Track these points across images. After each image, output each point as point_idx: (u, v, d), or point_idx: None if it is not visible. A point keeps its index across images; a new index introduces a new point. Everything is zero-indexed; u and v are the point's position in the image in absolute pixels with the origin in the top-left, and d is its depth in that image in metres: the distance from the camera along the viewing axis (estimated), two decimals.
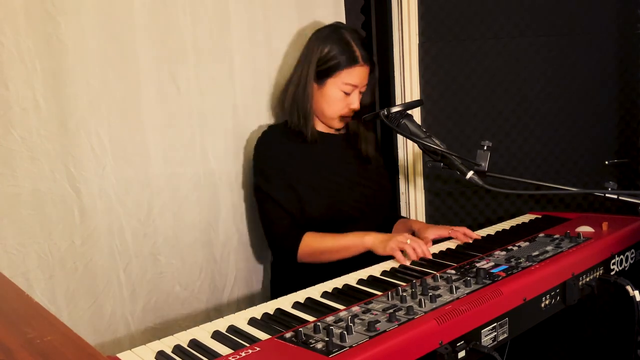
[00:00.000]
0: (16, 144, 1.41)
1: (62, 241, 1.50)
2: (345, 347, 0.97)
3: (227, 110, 1.85)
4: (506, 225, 1.88)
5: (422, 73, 2.08)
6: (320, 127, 1.88)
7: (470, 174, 1.50)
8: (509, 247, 1.56)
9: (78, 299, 1.54)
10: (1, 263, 1.40)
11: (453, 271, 1.37)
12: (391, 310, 1.11)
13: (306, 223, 1.76)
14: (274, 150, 1.79)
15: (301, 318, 1.17)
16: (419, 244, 1.55)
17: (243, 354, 0.97)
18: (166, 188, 1.70)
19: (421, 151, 1.87)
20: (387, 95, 2.21)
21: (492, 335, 1.18)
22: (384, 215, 1.95)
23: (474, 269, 1.36)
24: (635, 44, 2.07)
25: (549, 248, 1.52)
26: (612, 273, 1.58)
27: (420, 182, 2.16)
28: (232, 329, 1.12)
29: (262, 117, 1.96)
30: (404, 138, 2.05)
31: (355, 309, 1.16)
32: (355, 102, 1.80)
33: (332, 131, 1.90)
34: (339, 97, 1.78)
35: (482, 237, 1.74)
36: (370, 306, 1.17)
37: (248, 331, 1.11)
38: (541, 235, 1.67)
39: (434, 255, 1.57)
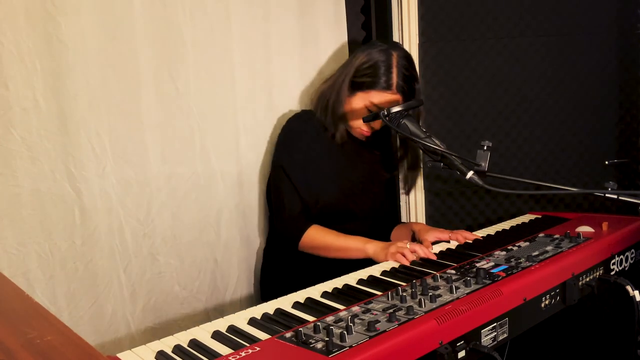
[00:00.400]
0: (16, 144, 1.41)
1: (63, 241, 1.50)
2: (345, 347, 0.97)
3: (227, 109, 1.85)
4: (506, 225, 1.88)
5: (422, 73, 2.08)
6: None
7: (470, 174, 1.50)
8: (509, 247, 1.56)
9: (78, 299, 1.54)
10: (1, 263, 1.40)
11: (453, 271, 1.37)
12: (391, 310, 1.11)
13: (317, 213, 1.80)
14: (303, 137, 1.83)
15: (301, 318, 1.17)
16: (420, 247, 1.56)
17: (243, 354, 0.97)
18: (165, 188, 1.70)
19: (421, 151, 1.88)
20: None
21: (492, 335, 1.18)
22: (382, 221, 2.00)
23: (474, 269, 1.36)
24: (635, 44, 2.07)
25: (549, 248, 1.52)
26: (612, 273, 1.58)
27: (420, 182, 2.15)
28: (232, 329, 1.12)
29: (261, 116, 1.96)
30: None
31: (355, 309, 1.16)
32: (375, 123, 1.81)
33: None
34: (363, 112, 1.79)
35: (482, 237, 1.74)
36: (370, 306, 1.17)
37: (248, 331, 1.11)
38: (541, 235, 1.67)
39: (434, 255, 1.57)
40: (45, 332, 0.73)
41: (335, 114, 1.81)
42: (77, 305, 1.53)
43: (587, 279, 1.48)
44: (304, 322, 1.13)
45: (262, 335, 1.08)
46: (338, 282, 1.40)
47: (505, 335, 1.22)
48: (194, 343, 1.06)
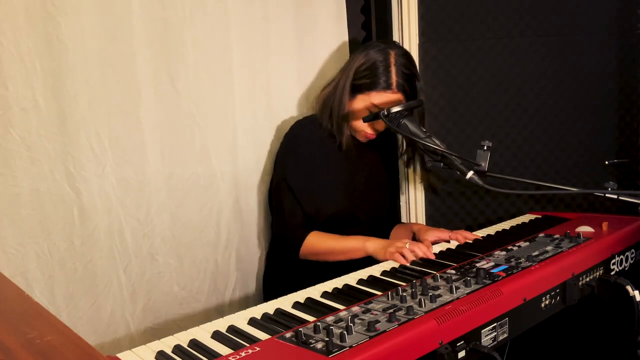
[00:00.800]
0: (16, 144, 1.41)
1: (62, 241, 1.50)
2: (345, 347, 0.97)
3: (226, 109, 1.85)
4: (506, 225, 1.88)
5: (422, 73, 2.07)
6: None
7: (470, 174, 1.50)
8: (509, 247, 1.56)
9: (77, 300, 1.53)
10: (0, 263, 1.40)
11: (453, 271, 1.37)
12: (391, 310, 1.11)
13: (319, 221, 1.79)
14: (306, 146, 1.82)
15: (301, 318, 1.17)
16: (419, 247, 1.56)
17: (243, 354, 0.97)
18: (165, 188, 1.70)
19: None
20: None
21: (492, 335, 1.18)
22: (383, 221, 2.00)
23: (474, 269, 1.36)
24: (635, 44, 2.07)
25: (549, 248, 1.52)
26: (612, 273, 1.58)
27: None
28: (232, 329, 1.12)
29: (261, 116, 1.95)
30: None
31: (355, 309, 1.16)
32: (379, 124, 1.80)
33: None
34: (364, 114, 1.77)
35: (482, 237, 1.74)
36: (370, 306, 1.17)
37: (248, 331, 1.11)
38: (541, 235, 1.67)
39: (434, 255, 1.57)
40: (45, 332, 0.73)
41: (339, 120, 1.80)
42: (76, 306, 1.53)
43: (587, 279, 1.48)
44: (304, 322, 1.13)
45: (262, 335, 1.08)
46: (338, 282, 1.40)
47: (505, 336, 1.22)
48: (194, 343, 1.06)
